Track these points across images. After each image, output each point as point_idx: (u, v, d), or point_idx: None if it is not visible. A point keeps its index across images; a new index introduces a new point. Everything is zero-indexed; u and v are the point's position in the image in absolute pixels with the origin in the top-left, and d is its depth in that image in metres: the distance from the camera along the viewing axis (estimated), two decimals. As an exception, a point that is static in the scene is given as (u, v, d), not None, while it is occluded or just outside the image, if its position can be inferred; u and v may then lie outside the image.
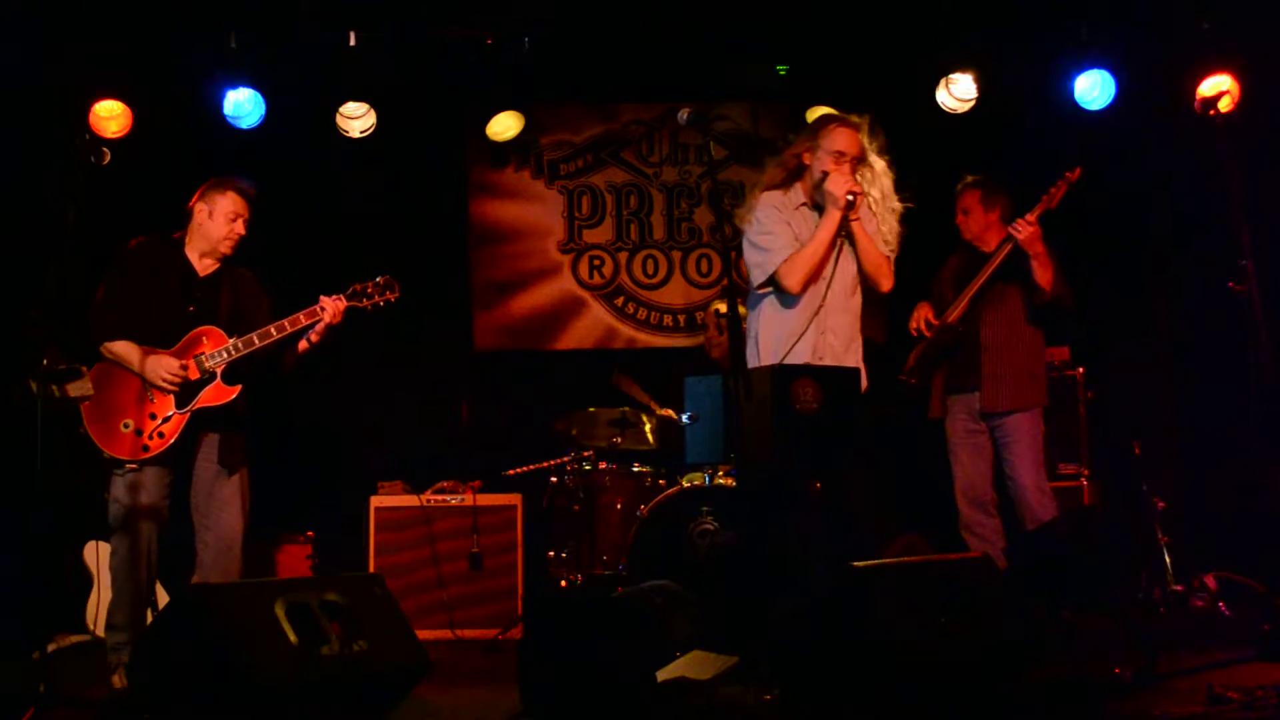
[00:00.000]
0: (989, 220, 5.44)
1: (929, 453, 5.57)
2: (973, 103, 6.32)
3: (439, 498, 5.96)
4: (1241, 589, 5.54)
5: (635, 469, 5.73)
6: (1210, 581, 5.61)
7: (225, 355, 4.52)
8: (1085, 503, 5.85)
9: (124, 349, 4.53)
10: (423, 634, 4.20)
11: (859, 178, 4.50)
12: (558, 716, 3.61)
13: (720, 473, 5.35)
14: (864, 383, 4.49)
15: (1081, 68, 6.16)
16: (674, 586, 4.45)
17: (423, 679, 3.80)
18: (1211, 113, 4.81)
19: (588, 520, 5.62)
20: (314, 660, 3.47)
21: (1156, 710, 3.51)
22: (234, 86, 6.03)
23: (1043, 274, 5.19)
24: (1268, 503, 4.74)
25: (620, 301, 7.12)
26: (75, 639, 5.50)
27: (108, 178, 4.51)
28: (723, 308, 5.61)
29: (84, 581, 5.59)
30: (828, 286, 4.44)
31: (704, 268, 7.13)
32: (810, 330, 4.43)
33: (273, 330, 4.52)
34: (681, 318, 7.10)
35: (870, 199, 4.55)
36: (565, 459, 5.84)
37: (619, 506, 5.62)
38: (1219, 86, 5.79)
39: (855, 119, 4.53)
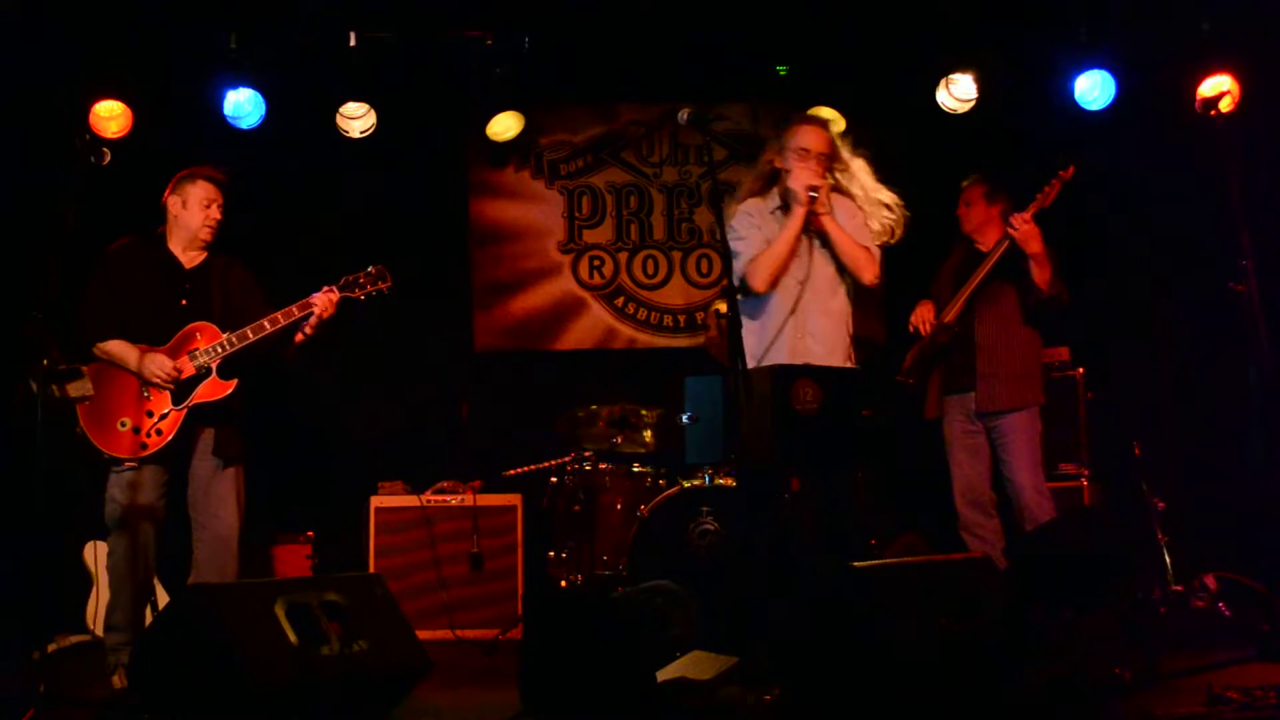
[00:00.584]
0: (990, 215, 5.44)
1: (928, 453, 5.56)
2: (973, 103, 6.32)
3: (439, 498, 5.96)
4: (1241, 589, 5.54)
5: (635, 469, 5.73)
6: (1210, 581, 5.61)
7: (220, 350, 4.53)
8: (1085, 503, 5.84)
9: (118, 348, 4.54)
10: (423, 634, 4.20)
11: (838, 176, 4.52)
12: (558, 716, 3.61)
13: (720, 473, 5.35)
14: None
15: (1081, 68, 6.16)
16: (674, 586, 4.46)
17: (423, 679, 3.80)
18: (1211, 113, 4.81)
19: (588, 520, 5.62)
20: (314, 660, 3.47)
21: (1157, 710, 3.51)
22: (234, 86, 6.03)
23: (1040, 273, 5.19)
24: (1268, 503, 4.74)
25: (620, 302, 7.12)
26: (75, 639, 5.50)
27: (108, 178, 4.51)
28: (723, 308, 5.60)
29: (83, 581, 5.59)
30: (802, 286, 4.44)
31: (704, 268, 7.13)
32: (787, 333, 4.42)
33: (266, 324, 4.52)
34: (682, 318, 7.10)
35: (850, 197, 4.57)
36: (565, 459, 5.84)
37: (619, 507, 5.62)
38: (1219, 86, 5.78)
39: (823, 115, 4.56)
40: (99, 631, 4.91)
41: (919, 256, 5.83)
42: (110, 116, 5.97)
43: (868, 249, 4.53)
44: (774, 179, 4.57)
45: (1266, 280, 4.44)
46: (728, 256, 4.18)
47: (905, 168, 6.91)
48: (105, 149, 4.32)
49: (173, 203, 4.68)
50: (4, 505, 5.36)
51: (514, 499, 6.00)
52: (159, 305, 4.60)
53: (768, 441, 3.97)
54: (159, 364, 4.49)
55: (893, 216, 4.61)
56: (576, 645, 3.64)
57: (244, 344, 4.52)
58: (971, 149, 6.41)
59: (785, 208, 4.50)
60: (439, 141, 6.94)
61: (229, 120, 6.09)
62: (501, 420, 6.53)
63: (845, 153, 4.60)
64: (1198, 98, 5.70)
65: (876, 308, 6.98)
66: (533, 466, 5.97)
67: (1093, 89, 6.17)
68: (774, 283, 4.44)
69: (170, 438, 4.51)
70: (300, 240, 6.55)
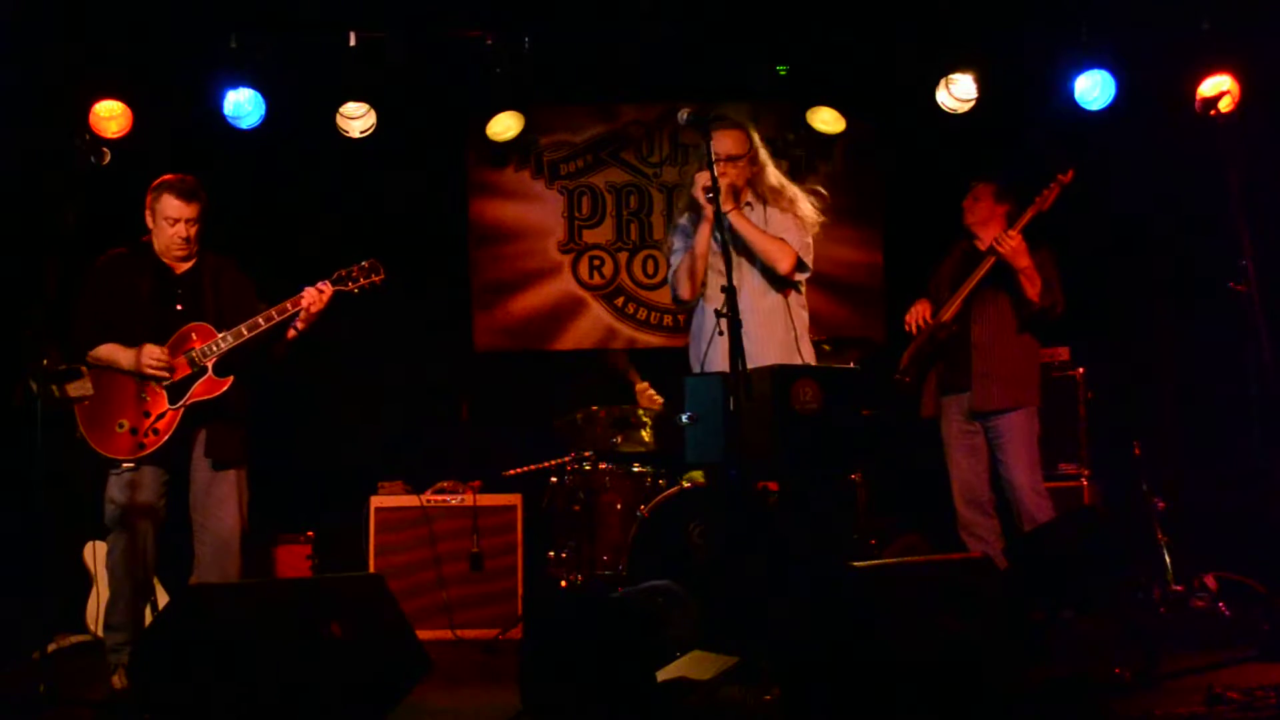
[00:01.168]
0: (995, 213, 5.43)
1: (927, 453, 5.57)
2: (973, 103, 6.32)
3: (439, 498, 5.96)
4: (1241, 589, 5.54)
5: (635, 469, 5.72)
6: (1210, 581, 5.60)
7: (215, 349, 4.54)
8: (1085, 503, 5.84)
9: (107, 351, 4.56)
10: (423, 634, 4.19)
11: (756, 173, 4.62)
12: (558, 716, 3.61)
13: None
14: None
15: (1081, 68, 6.16)
16: (674, 586, 4.46)
17: (423, 679, 3.80)
18: (1211, 113, 4.81)
19: (588, 520, 5.62)
20: (314, 660, 3.47)
21: (1157, 710, 3.51)
22: (234, 86, 6.03)
23: (1030, 287, 5.20)
24: (1268, 503, 4.74)
25: (620, 301, 7.12)
26: (75, 639, 5.50)
27: (108, 178, 4.51)
28: (723, 308, 5.62)
29: (84, 581, 5.58)
30: (725, 288, 4.50)
31: (704, 268, 7.12)
32: (721, 336, 4.45)
33: (260, 320, 4.53)
34: (681, 318, 7.09)
35: (772, 194, 4.65)
36: (565, 459, 5.83)
37: (619, 506, 5.61)
38: (1219, 86, 5.78)
39: (731, 119, 4.67)
40: (99, 631, 4.91)
41: (918, 256, 5.86)
42: (110, 116, 5.97)
43: (780, 241, 4.61)
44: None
45: (1266, 280, 4.43)
46: (729, 258, 4.20)
47: (905, 167, 6.97)
48: (105, 149, 4.32)
49: (147, 217, 4.69)
50: (4, 505, 5.35)
51: (514, 499, 6.00)
52: (153, 311, 4.61)
53: (768, 441, 3.96)
54: (148, 354, 4.50)
55: (813, 202, 4.73)
56: (576, 645, 3.64)
57: (239, 341, 4.53)
58: (971, 149, 6.41)
59: (697, 216, 4.58)
60: (439, 141, 6.94)
61: (229, 120, 6.08)
62: (501, 420, 6.52)
63: (763, 153, 4.71)
64: (1198, 98, 5.70)
65: (876, 308, 6.99)
66: (533, 466, 5.97)
67: (1093, 89, 6.17)
68: (698, 288, 4.58)
69: (167, 437, 4.52)
70: (300, 240, 6.55)
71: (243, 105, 6.06)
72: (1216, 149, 4.57)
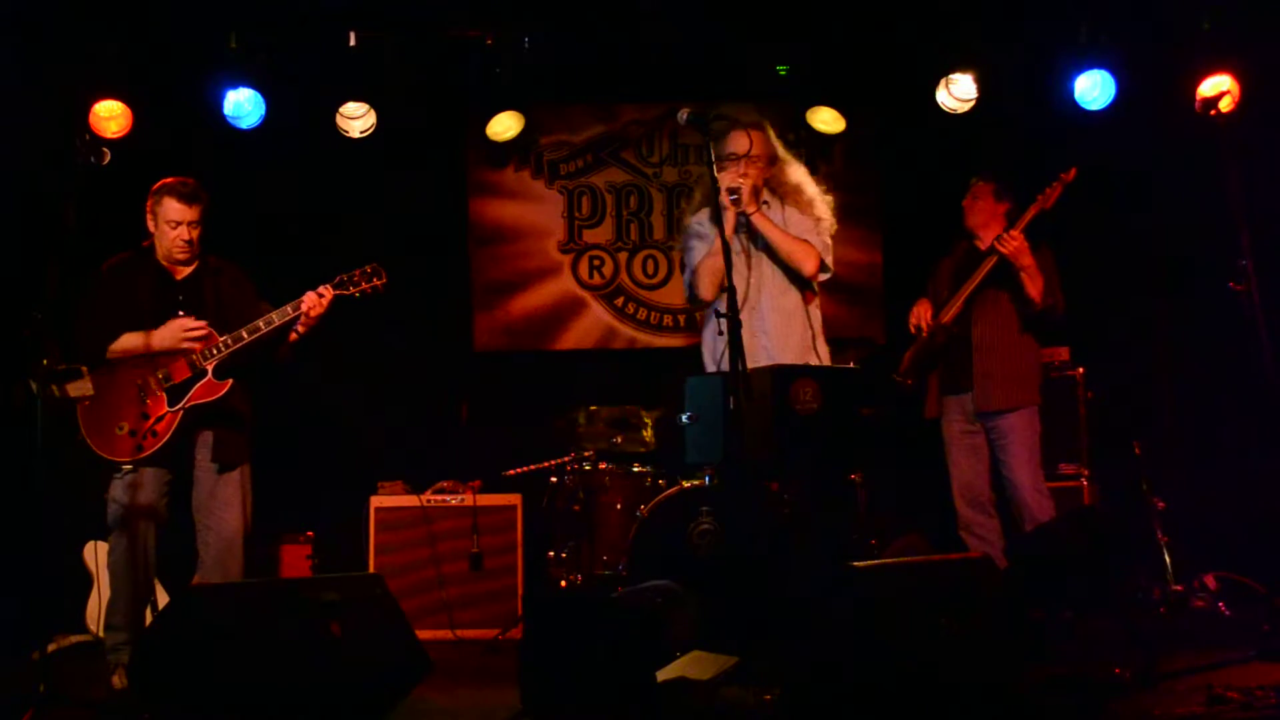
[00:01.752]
0: (995, 212, 5.44)
1: (928, 453, 5.57)
2: (973, 103, 6.32)
3: (439, 498, 5.96)
4: (1241, 589, 5.54)
5: (635, 469, 5.72)
6: (1210, 581, 5.61)
7: (215, 352, 4.54)
8: (1085, 503, 5.84)
9: (126, 340, 4.56)
10: (423, 634, 4.20)
11: (776, 173, 4.61)
12: (558, 716, 3.61)
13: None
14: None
15: (1081, 68, 6.16)
16: (674, 586, 4.45)
17: (423, 679, 3.80)
18: (1211, 113, 4.81)
19: (588, 520, 5.62)
20: (314, 660, 3.47)
21: (1156, 710, 3.51)
22: (234, 86, 6.03)
23: (1032, 286, 5.20)
24: (1268, 503, 4.75)
25: (620, 301, 7.12)
26: (75, 639, 5.50)
27: (108, 178, 4.51)
28: (724, 308, 5.62)
29: (84, 581, 5.58)
30: (749, 286, 4.49)
31: (704, 268, 7.12)
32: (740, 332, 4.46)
33: (260, 324, 4.54)
34: (681, 318, 7.10)
35: (792, 194, 4.65)
36: (565, 459, 5.83)
37: (619, 506, 5.61)
38: (1219, 86, 5.78)
39: (752, 119, 4.67)
40: (99, 631, 4.91)
41: (918, 256, 5.85)
42: (110, 116, 5.96)
43: (805, 242, 4.63)
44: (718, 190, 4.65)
45: (1266, 280, 4.43)
46: (729, 259, 4.20)
47: (905, 167, 6.97)
48: (105, 149, 4.33)
49: (149, 220, 4.68)
50: (4, 505, 5.35)
51: (514, 499, 6.00)
52: (155, 316, 4.61)
53: (768, 441, 3.97)
54: (170, 329, 4.51)
55: (830, 202, 4.75)
56: (576, 645, 3.64)
57: (239, 344, 4.53)
58: (971, 149, 6.41)
59: (718, 215, 4.58)
60: (439, 141, 6.94)
61: (229, 120, 6.08)
62: (501, 420, 6.52)
63: (782, 151, 4.70)
64: (1198, 98, 5.70)
65: (877, 308, 6.99)
66: (533, 466, 5.96)
67: (1093, 89, 6.17)
68: (720, 288, 4.52)
69: (166, 439, 4.52)
70: (300, 240, 6.55)
71: (243, 105, 6.06)
72: (1216, 149, 4.57)
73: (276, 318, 4.54)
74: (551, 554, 5.72)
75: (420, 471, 6.12)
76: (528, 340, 7.06)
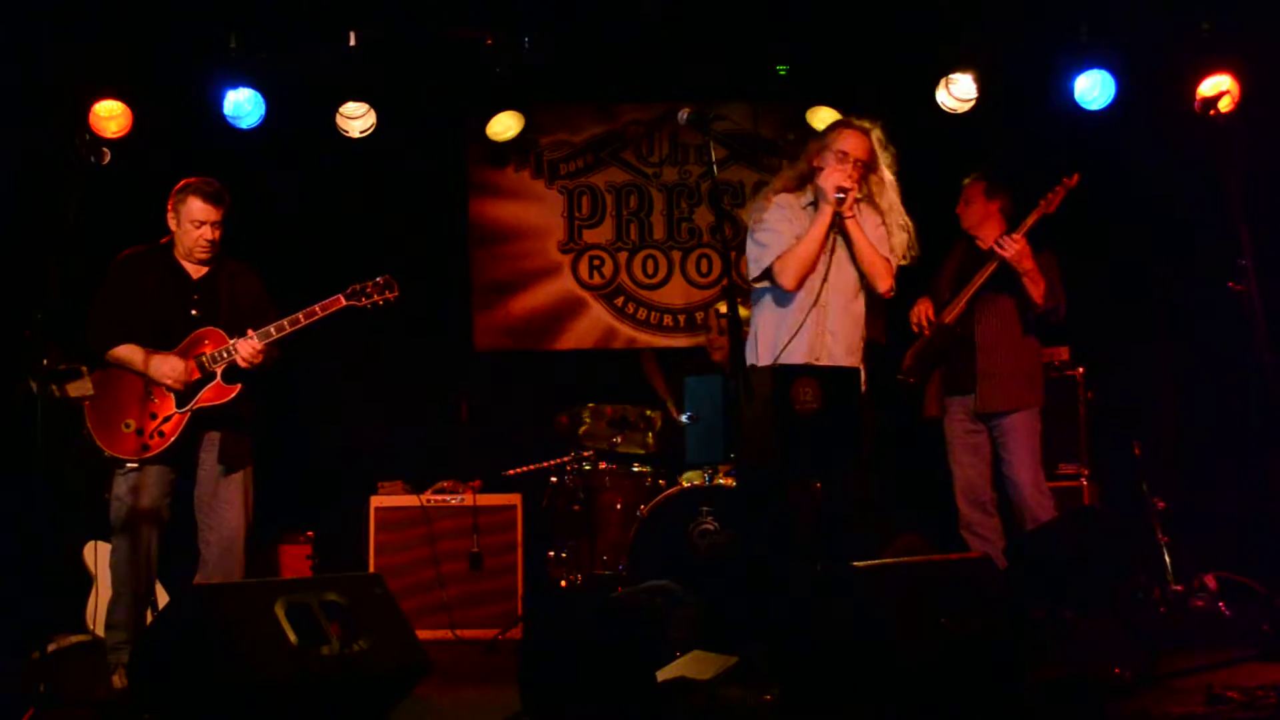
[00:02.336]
0: (989, 211, 5.44)
1: (928, 453, 5.57)
2: (973, 103, 6.32)
3: (439, 498, 5.96)
4: (1241, 589, 5.54)
5: (635, 469, 5.73)
6: (1210, 581, 5.61)
7: (226, 356, 4.55)
8: (1085, 503, 5.84)
9: (126, 352, 4.58)
10: (423, 634, 4.20)
11: (870, 185, 4.57)
12: (558, 716, 3.61)
13: (720, 473, 5.34)
14: (863, 385, 4.52)
15: (1081, 68, 6.16)
16: (674, 586, 4.46)
17: (423, 679, 3.80)
18: (1211, 113, 4.81)
19: (588, 520, 5.62)
20: (314, 660, 3.47)
21: (1156, 710, 3.51)
22: (234, 86, 6.03)
23: (1034, 289, 5.21)
24: (1268, 503, 4.74)
25: (620, 301, 7.12)
26: (75, 639, 5.50)
27: (108, 178, 4.50)
28: (723, 308, 5.62)
29: (84, 581, 5.58)
30: (823, 283, 4.49)
31: (704, 268, 7.13)
32: (809, 327, 4.46)
33: (272, 330, 4.56)
34: (681, 318, 7.10)
35: (877, 208, 4.62)
36: (565, 459, 5.84)
37: (619, 506, 5.62)
38: (1219, 86, 5.78)
39: (866, 124, 4.60)
40: (99, 631, 4.91)
41: (919, 256, 5.85)
42: (110, 116, 5.96)
43: (886, 259, 4.60)
44: (810, 176, 4.63)
45: (1266, 280, 4.43)
46: (728, 255, 4.19)
47: (905, 168, 6.96)
48: (105, 149, 4.32)
49: (170, 219, 4.70)
50: (4, 505, 5.35)
51: (514, 499, 6.00)
52: (168, 314, 4.63)
53: (768, 441, 3.96)
54: (170, 366, 4.53)
55: (908, 239, 4.67)
56: (576, 645, 3.64)
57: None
58: (971, 149, 6.41)
59: (816, 205, 4.55)
60: (439, 141, 6.94)
61: (229, 120, 6.08)
62: (501, 420, 6.52)
63: (883, 165, 4.65)
64: (1198, 98, 5.69)
65: (877, 308, 6.97)
66: (533, 466, 5.97)
67: (1093, 89, 6.17)
68: (803, 281, 4.50)
69: (173, 440, 4.54)
70: (300, 240, 6.55)
71: (243, 105, 6.05)
72: (1216, 149, 4.57)
73: (288, 325, 4.58)
74: (551, 554, 5.73)
75: (420, 471, 6.12)
76: (528, 340, 7.06)
